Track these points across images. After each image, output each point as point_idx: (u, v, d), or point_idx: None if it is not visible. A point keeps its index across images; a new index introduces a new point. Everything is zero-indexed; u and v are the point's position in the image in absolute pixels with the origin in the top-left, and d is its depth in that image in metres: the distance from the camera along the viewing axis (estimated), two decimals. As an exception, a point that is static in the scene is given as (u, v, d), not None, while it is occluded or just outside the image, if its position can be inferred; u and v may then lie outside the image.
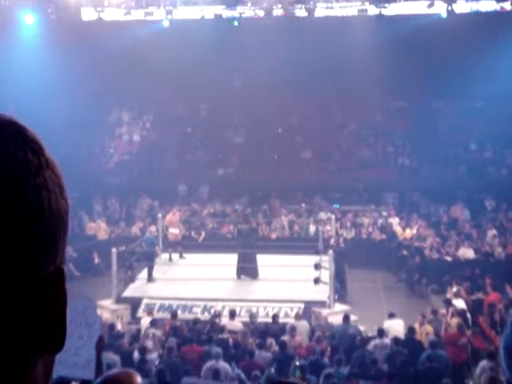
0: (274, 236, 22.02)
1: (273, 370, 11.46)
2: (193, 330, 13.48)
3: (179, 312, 14.80)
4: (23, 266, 0.74)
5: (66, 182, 0.82)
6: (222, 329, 13.42)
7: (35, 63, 23.23)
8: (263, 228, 22.41)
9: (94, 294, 15.06)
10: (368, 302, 16.87)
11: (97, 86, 26.60)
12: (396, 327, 13.49)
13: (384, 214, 22.97)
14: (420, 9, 23.84)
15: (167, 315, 14.66)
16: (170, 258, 19.55)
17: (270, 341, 12.82)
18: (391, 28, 23.44)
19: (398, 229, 21.75)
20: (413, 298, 18.11)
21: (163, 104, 28.46)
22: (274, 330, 13.65)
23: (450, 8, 23.04)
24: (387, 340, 12.64)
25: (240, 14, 24.28)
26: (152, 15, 24.44)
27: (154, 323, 13.67)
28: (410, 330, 13.03)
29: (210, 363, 11.31)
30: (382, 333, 12.76)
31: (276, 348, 12.51)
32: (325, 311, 15.34)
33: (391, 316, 13.99)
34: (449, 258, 19.17)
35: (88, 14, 24.56)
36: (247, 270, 17.70)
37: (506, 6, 23.34)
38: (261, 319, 14.72)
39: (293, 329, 13.17)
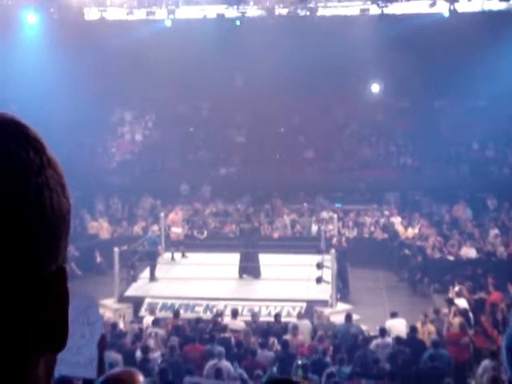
0: (276, 235, 22.02)
1: (275, 369, 11.46)
2: (195, 329, 13.48)
3: (181, 311, 14.82)
4: (25, 264, 0.74)
5: (68, 181, 0.82)
6: (225, 328, 13.42)
7: (37, 63, 23.23)
8: (265, 227, 22.41)
9: (96, 293, 15.08)
10: (370, 301, 16.86)
11: (99, 86, 26.61)
12: (398, 326, 13.48)
13: (386, 213, 22.96)
14: (422, 8, 23.84)
15: (169, 314, 14.68)
16: (173, 258, 19.55)
17: (272, 340, 12.83)
18: (393, 27, 23.40)
19: (400, 228, 21.75)
20: (415, 298, 18.10)
21: (165, 103, 28.46)
22: (276, 329, 13.66)
23: (452, 7, 23.02)
24: (389, 339, 12.64)
25: (242, 13, 24.29)
26: (154, 15, 24.47)
27: (156, 322, 13.68)
28: (412, 330, 13.03)
29: (212, 362, 11.32)
30: (384, 332, 12.75)
31: (278, 347, 12.52)
32: (327, 310, 15.33)
33: (393, 315, 13.99)
34: (451, 258, 19.16)
35: (90, 14, 24.59)
36: (249, 269, 17.70)
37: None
38: (263, 318, 14.73)
39: (295, 328, 13.18)
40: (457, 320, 13.37)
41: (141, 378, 2.61)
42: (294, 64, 24.82)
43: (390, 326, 13.33)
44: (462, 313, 13.83)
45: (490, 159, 25.46)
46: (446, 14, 23.25)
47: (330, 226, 21.32)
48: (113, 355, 11.04)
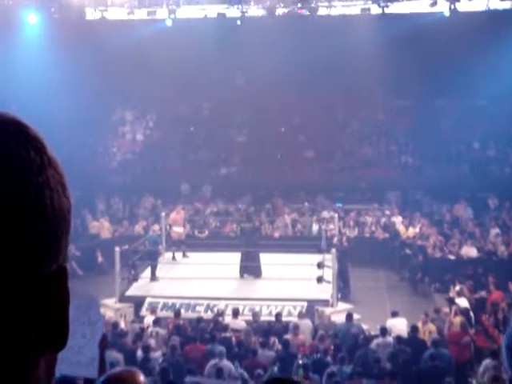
0: (276, 235, 22.02)
1: (276, 368, 11.45)
2: (196, 329, 13.49)
3: (182, 311, 14.83)
4: (25, 264, 0.74)
5: (69, 180, 0.82)
6: (225, 327, 13.43)
7: (38, 62, 23.24)
8: (266, 227, 22.41)
9: (98, 293, 15.05)
10: (371, 300, 16.87)
11: (100, 85, 26.61)
12: (399, 326, 13.48)
13: (387, 212, 22.95)
14: (423, 7, 23.84)
15: (170, 314, 14.69)
16: (174, 257, 19.55)
17: (273, 339, 12.83)
18: (394, 26, 23.41)
19: (400, 227, 21.75)
20: (416, 297, 18.10)
21: (166, 103, 28.46)
22: (277, 328, 13.66)
23: (452, 7, 23.02)
24: (390, 339, 12.64)
25: (243, 13, 24.30)
26: (155, 14, 24.49)
27: (157, 322, 13.69)
28: (413, 329, 13.03)
29: (213, 362, 11.32)
30: (384, 331, 12.75)
31: (279, 347, 12.52)
32: (328, 310, 15.33)
33: (394, 315, 13.98)
34: (452, 257, 19.16)
35: (91, 14, 24.60)
36: (250, 268, 17.71)
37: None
38: (264, 318, 14.74)
39: (296, 327, 13.18)
40: (458, 319, 13.37)
41: (142, 377, 2.61)
42: (294, 63, 24.82)
43: (390, 326, 13.32)
44: (463, 312, 13.83)
45: (491, 158, 25.45)
46: (447, 13, 23.25)
47: (331, 226, 21.32)
48: (114, 355, 11.04)
